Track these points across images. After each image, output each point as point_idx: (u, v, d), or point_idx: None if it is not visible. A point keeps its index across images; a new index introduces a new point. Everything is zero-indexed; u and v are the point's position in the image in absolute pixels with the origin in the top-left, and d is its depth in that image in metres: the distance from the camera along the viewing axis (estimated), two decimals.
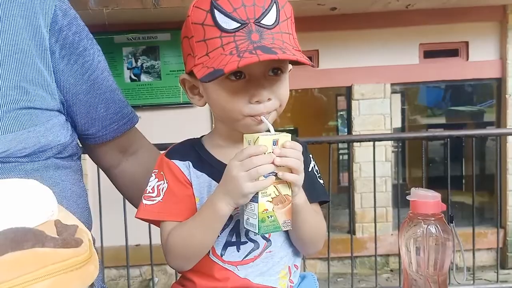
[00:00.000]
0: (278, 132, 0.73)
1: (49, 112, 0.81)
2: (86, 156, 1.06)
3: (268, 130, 0.75)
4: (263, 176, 0.69)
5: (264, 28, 0.72)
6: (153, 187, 0.82)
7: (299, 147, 0.72)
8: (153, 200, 0.81)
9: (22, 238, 0.47)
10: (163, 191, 0.81)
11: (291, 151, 0.71)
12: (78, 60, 0.87)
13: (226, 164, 0.79)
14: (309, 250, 0.88)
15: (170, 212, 0.80)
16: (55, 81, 0.84)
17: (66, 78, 0.86)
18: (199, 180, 0.81)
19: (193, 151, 0.83)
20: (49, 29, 0.82)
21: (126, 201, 2.75)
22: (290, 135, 0.72)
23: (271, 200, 0.71)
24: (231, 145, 0.82)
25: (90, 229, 0.91)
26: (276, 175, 0.70)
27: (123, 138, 0.98)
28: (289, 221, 0.73)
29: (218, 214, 0.73)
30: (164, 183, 0.81)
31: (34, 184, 0.58)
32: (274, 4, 0.74)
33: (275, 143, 0.70)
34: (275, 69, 0.76)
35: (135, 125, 1.01)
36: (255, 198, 0.71)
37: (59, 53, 0.84)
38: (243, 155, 0.70)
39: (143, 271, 3.79)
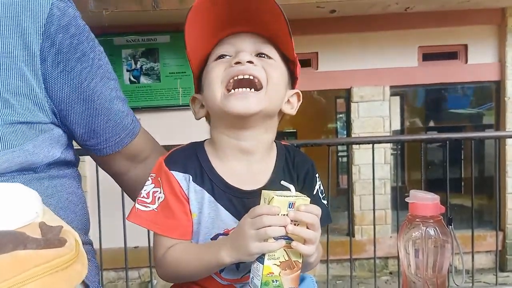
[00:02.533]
0: (298, 194, 0.70)
1: (40, 126, 0.74)
2: (85, 157, 1.04)
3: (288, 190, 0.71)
4: (273, 238, 0.66)
5: None
6: (149, 192, 0.79)
7: (317, 211, 0.69)
8: (147, 207, 0.78)
9: (1, 242, 0.46)
10: (159, 201, 0.78)
11: (306, 216, 0.67)
12: (76, 66, 0.78)
13: (228, 183, 0.78)
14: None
15: (163, 226, 0.78)
16: (47, 90, 0.75)
17: (61, 87, 0.77)
18: (197, 195, 0.78)
19: (195, 160, 0.80)
20: (43, 32, 0.72)
21: (125, 203, 2.74)
22: (309, 199, 0.69)
23: (278, 264, 0.68)
24: (228, 158, 0.80)
25: (86, 233, 0.88)
26: (288, 239, 0.67)
27: (129, 148, 0.91)
28: None
29: (218, 262, 0.72)
30: (160, 192, 0.78)
31: (18, 187, 0.56)
32: None
33: (291, 205, 0.67)
34: (261, 53, 0.78)
35: (142, 131, 0.95)
36: (261, 259, 0.68)
37: (54, 59, 0.75)
38: (255, 213, 0.68)
39: (142, 273, 3.78)
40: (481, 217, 3.98)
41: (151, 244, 2.66)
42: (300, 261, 0.69)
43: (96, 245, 0.96)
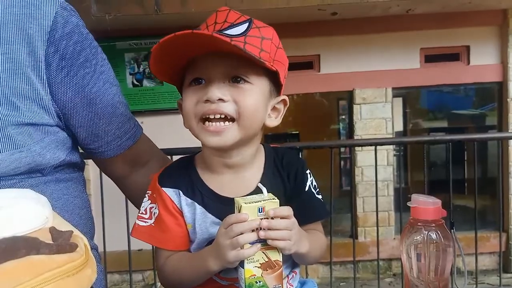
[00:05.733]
0: (268, 197, 0.72)
1: (46, 128, 0.77)
2: (89, 161, 1.05)
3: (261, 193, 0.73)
4: (249, 243, 0.69)
5: (225, 35, 0.72)
6: (146, 208, 0.84)
7: (286, 213, 0.71)
8: (145, 222, 0.83)
9: (15, 247, 0.47)
10: (155, 216, 0.83)
11: (277, 221, 0.70)
12: (79, 72, 0.81)
13: (216, 193, 0.81)
14: (309, 264, 0.90)
15: (159, 240, 0.82)
16: (51, 94, 0.78)
17: (64, 91, 0.80)
18: (189, 208, 0.82)
19: (185, 175, 0.83)
20: (47, 39, 0.76)
21: (129, 206, 2.75)
22: (277, 201, 0.71)
23: (259, 265, 0.71)
24: (217, 172, 0.83)
25: (92, 238, 0.91)
26: (264, 241, 0.70)
27: (130, 152, 0.94)
28: (280, 285, 0.73)
29: (207, 270, 0.76)
30: (156, 207, 0.83)
31: (28, 193, 0.58)
32: (247, 23, 0.75)
33: (261, 210, 0.69)
34: (236, 77, 0.75)
35: (143, 136, 0.97)
36: (242, 263, 0.71)
37: (58, 64, 0.78)
38: (226, 223, 0.71)
39: (146, 275, 3.79)
40: (484, 218, 3.97)
41: (155, 248, 2.67)
42: (280, 259, 0.72)
43: (100, 248, 0.97)
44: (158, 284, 3.52)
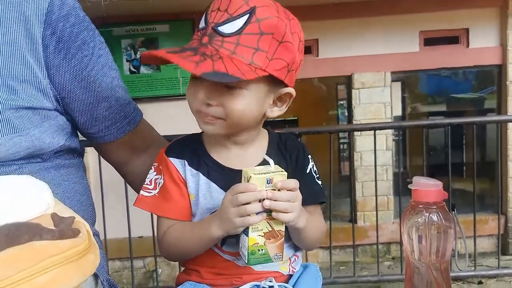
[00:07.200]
0: (276, 169, 0.73)
1: (44, 112, 0.76)
2: (88, 149, 1.04)
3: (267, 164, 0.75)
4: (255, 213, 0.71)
5: (218, 34, 0.72)
6: (151, 179, 0.85)
7: (293, 185, 0.73)
8: (149, 192, 0.85)
9: (17, 233, 0.47)
10: (159, 186, 0.84)
11: (281, 193, 0.71)
12: (77, 54, 0.80)
13: (221, 165, 0.83)
14: (309, 249, 0.92)
15: (162, 209, 0.84)
16: (49, 78, 0.77)
17: (62, 74, 0.79)
18: (194, 178, 0.83)
19: (191, 148, 0.85)
20: (44, 20, 0.75)
21: (129, 193, 2.75)
22: (285, 174, 0.73)
23: (262, 234, 0.73)
24: (222, 145, 0.84)
25: (93, 224, 0.91)
26: (269, 211, 0.72)
27: (130, 136, 0.93)
28: (281, 254, 0.75)
29: (210, 236, 0.77)
30: (161, 178, 0.84)
31: (29, 179, 0.58)
32: (248, 15, 0.72)
33: (269, 181, 0.71)
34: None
35: (143, 121, 0.96)
36: (246, 231, 0.73)
37: (55, 47, 0.77)
38: (234, 190, 0.72)
39: (147, 262, 3.82)
40: (483, 201, 3.99)
41: (155, 234, 2.69)
42: (283, 229, 0.74)
43: (101, 236, 0.97)
44: (159, 270, 3.55)
